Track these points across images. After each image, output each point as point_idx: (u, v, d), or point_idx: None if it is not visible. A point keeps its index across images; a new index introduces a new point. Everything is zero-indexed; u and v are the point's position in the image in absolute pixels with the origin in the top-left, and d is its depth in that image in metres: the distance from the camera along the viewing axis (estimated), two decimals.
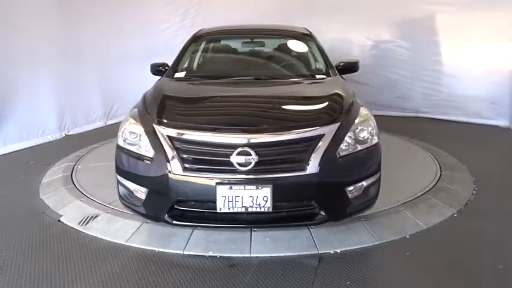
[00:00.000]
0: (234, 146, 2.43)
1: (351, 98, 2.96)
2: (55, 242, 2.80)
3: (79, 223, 3.01)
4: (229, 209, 2.42)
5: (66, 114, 5.58)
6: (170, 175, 2.47)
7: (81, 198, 3.38)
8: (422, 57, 6.41)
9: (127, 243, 2.74)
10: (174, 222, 2.57)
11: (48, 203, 3.36)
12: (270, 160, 2.45)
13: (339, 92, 3.05)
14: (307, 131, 2.53)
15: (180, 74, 3.78)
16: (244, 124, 2.64)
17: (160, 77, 3.73)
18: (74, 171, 4.01)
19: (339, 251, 2.61)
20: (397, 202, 3.18)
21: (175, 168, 2.47)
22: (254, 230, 2.78)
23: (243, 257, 2.57)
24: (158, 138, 2.59)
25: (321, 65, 3.75)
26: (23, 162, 4.47)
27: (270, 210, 2.41)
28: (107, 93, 6.22)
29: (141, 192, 2.65)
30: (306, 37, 4.14)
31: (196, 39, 4.22)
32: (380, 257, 2.60)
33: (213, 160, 2.48)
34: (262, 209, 2.40)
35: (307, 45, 4.06)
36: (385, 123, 5.93)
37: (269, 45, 4.42)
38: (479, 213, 3.14)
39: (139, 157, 2.65)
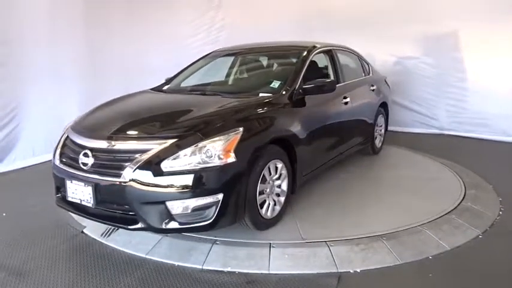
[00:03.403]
0: (82, 147, 2.80)
1: (233, 118, 2.86)
2: (78, 253, 2.87)
3: (101, 235, 3.08)
4: (72, 198, 2.81)
5: None
6: (53, 165, 3.02)
7: None
8: (446, 74, 6.34)
9: (147, 256, 2.78)
10: (59, 204, 2.99)
11: (73, 214, 3.42)
12: (100, 164, 2.69)
13: (225, 110, 3.02)
14: (131, 144, 2.71)
15: (165, 87, 4.08)
16: (100, 130, 2.94)
17: None
18: None
19: (358, 271, 2.58)
20: (420, 221, 3.11)
21: (56, 160, 2.99)
22: (273, 247, 2.78)
23: (262, 273, 2.57)
24: (63, 135, 3.16)
25: (277, 84, 3.54)
26: (49, 173, 4.59)
27: (94, 206, 2.69)
28: None
29: None
30: (299, 54, 3.91)
31: (203, 57, 4.47)
32: (401, 278, 2.54)
33: (72, 157, 2.88)
34: (88, 204, 2.71)
35: (292, 62, 3.89)
36: (408, 140, 5.90)
37: (258, 63, 4.46)
38: (506, 235, 3.04)
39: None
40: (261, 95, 3.39)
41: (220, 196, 2.58)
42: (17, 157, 5.00)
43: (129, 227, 2.62)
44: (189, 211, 2.56)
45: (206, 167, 2.55)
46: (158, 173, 2.51)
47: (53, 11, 5.27)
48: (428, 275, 2.52)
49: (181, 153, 2.55)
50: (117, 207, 2.68)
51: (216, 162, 2.57)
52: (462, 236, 2.99)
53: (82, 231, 3.17)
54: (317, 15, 6.86)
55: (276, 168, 3.06)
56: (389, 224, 3.07)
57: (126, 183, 2.54)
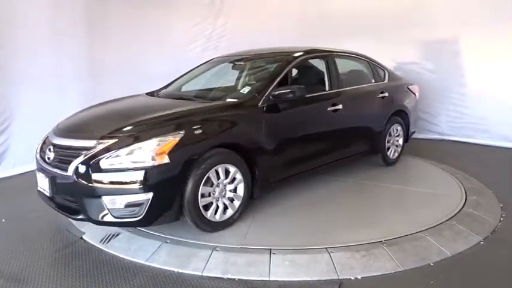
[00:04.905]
0: (50, 143, 3.12)
1: (179, 121, 2.96)
2: (77, 259, 2.84)
3: (101, 241, 3.06)
4: (39, 188, 3.15)
5: None
6: (35, 158, 3.30)
7: None
8: (447, 79, 6.34)
9: (146, 263, 2.76)
10: (38, 194, 3.23)
11: (72, 220, 3.42)
12: (58, 158, 2.97)
13: (177, 114, 3.10)
14: (79, 142, 2.92)
15: (160, 91, 4.22)
16: (65, 129, 3.21)
17: None
18: None
19: (359, 278, 2.56)
20: (421, 228, 3.10)
21: (37, 154, 3.28)
22: (273, 253, 2.76)
23: (262, 280, 2.55)
24: (47, 134, 3.41)
25: (247, 89, 3.60)
26: None
27: (50, 196, 3.00)
28: None
29: None
30: (280, 60, 3.91)
31: (200, 65, 4.55)
32: (402, 285, 2.52)
33: (44, 152, 3.16)
34: (47, 194, 3.03)
35: (275, 68, 3.80)
36: (409, 146, 5.87)
37: (245, 71, 4.50)
38: (508, 241, 3.03)
39: None
40: (227, 100, 3.45)
41: (150, 195, 2.72)
42: (16, 163, 4.98)
43: (76, 217, 2.90)
44: (122, 207, 2.74)
45: (138, 167, 2.71)
46: (97, 169, 2.72)
47: (53, 15, 5.29)
48: (429, 282, 2.50)
49: (119, 152, 2.74)
50: (66, 199, 2.95)
51: (148, 162, 2.71)
52: (463, 242, 2.97)
53: (81, 237, 3.15)
54: (318, 20, 6.89)
55: (228, 172, 3.07)
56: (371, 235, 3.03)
57: (71, 177, 2.77)
